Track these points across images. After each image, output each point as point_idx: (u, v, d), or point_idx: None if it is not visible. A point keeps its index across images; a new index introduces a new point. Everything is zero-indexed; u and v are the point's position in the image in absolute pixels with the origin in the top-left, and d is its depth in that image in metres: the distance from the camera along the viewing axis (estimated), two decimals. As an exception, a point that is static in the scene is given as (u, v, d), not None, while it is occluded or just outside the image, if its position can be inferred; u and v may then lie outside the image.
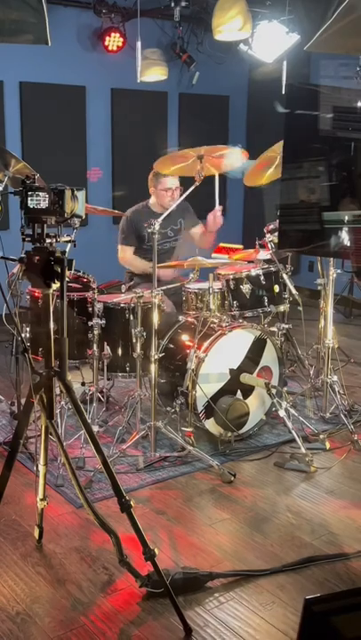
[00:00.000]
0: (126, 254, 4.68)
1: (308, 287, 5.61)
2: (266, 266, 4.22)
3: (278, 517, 3.21)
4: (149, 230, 3.56)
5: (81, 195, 2.53)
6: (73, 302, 3.96)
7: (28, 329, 3.87)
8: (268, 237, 4.32)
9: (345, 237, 3.16)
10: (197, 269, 4.15)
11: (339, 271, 4.26)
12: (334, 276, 4.21)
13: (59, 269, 2.39)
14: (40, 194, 2.38)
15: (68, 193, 2.43)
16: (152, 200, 4.68)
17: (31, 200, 2.38)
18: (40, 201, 2.38)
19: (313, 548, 2.95)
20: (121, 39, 6.61)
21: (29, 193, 2.37)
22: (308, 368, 4.73)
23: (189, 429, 3.75)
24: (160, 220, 3.62)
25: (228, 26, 5.30)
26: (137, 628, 2.45)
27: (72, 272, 3.74)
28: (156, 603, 2.57)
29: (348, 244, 3.14)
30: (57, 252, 2.42)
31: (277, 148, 4.18)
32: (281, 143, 3.84)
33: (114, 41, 6.62)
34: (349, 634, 1.15)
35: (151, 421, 3.70)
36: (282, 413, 3.81)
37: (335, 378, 4.25)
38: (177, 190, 4.54)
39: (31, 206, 2.38)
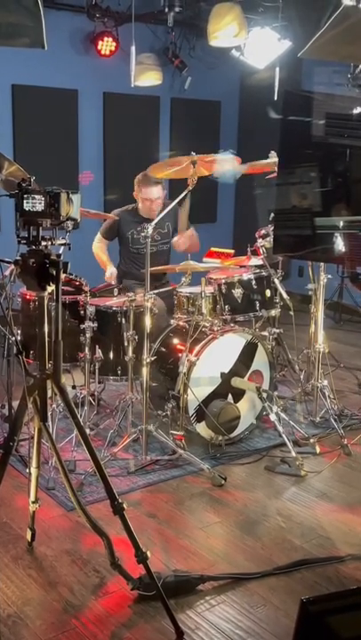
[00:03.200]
0: (100, 244, 4.78)
1: (298, 292, 5.64)
2: (257, 270, 4.24)
3: (269, 521, 3.22)
4: (142, 234, 3.58)
5: (76, 198, 2.53)
6: (65, 305, 3.96)
7: (19, 331, 3.87)
8: (260, 242, 4.35)
9: (338, 243, 3.19)
10: (189, 273, 4.17)
11: (329, 276, 4.29)
12: (325, 281, 4.24)
13: (54, 272, 2.39)
14: (36, 197, 2.38)
15: (63, 196, 2.44)
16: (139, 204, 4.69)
17: (27, 203, 2.38)
18: (36, 204, 2.38)
19: (303, 552, 2.96)
20: (114, 43, 6.63)
21: (25, 196, 2.38)
22: (298, 372, 4.75)
23: (180, 433, 3.76)
24: (152, 224, 3.64)
25: (224, 32, 5.33)
26: (128, 630, 2.46)
27: (65, 275, 3.74)
28: (148, 605, 2.57)
29: (342, 250, 3.17)
30: (52, 255, 2.42)
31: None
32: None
33: (107, 45, 6.63)
34: (345, 634, 1.16)
35: (142, 425, 3.71)
36: (272, 417, 3.83)
37: (325, 382, 4.27)
38: (157, 201, 4.54)
39: (27, 209, 2.39)
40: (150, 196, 4.51)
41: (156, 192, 4.52)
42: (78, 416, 2.64)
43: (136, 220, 4.60)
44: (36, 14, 2.90)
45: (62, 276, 2.43)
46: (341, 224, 3.18)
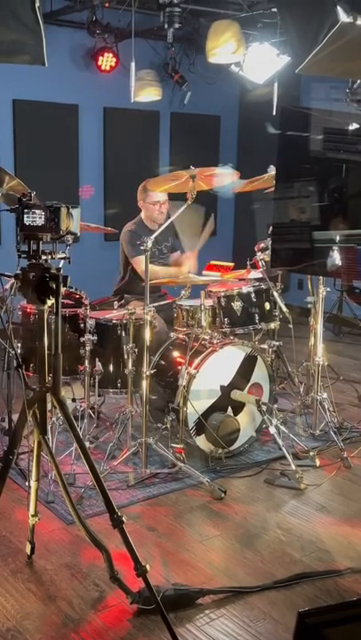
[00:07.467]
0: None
1: (297, 305, 5.66)
2: (257, 283, 4.26)
3: (268, 534, 3.22)
4: (142, 248, 3.60)
5: (76, 212, 2.56)
6: (65, 318, 3.97)
7: (19, 344, 3.88)
8: (260, 255, 4.37)
9: (335, 256, 3.21)
10: (189, 286, 4.19)
11: (328, 289, 4.30)
12: (324, 294, 4.25)
13: (54, 286, 2.41)
14: (36, 211, 2.41)
15: (63, 210, 2.47)
16: (143, 215, 4.71)
17: (27, 217, 2.41)
18: (36, 218, 2.41)
19: (303, 565, 2.96)
20: (114, 59, 6.69)
21: (25, 210, 2.40)
22: (298, 385, 4.76)
23: (180, 446, 3.76)
24: (153, 237, 3.66)
25: (222, 49, 5.38)
26: (128, 644, 2.45)
27: (65, 288, 3.76)
28: (147, 619, 2.56)
29: (339, 263, 3.19)
30: (52, 269, 2.44)
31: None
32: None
33: (107, 61, 6.69)
34: (342, 646, 1.17)
35: (142, 438, 3.71)
36: (272, 430, 3.82)
37: (325, 395, 4.27)
38: (165, 204, 4.58)
39: (27, 223, 2.41)
40: (158, 199, 4.53)
41: (162, 195, 4.54)
42: (78, 429, 2.64)
43: (146, 231, 4.61)
44: (37, 32, 2.93)
45: (62, 289, 2.46)
46: (338, 238, 3.21)
